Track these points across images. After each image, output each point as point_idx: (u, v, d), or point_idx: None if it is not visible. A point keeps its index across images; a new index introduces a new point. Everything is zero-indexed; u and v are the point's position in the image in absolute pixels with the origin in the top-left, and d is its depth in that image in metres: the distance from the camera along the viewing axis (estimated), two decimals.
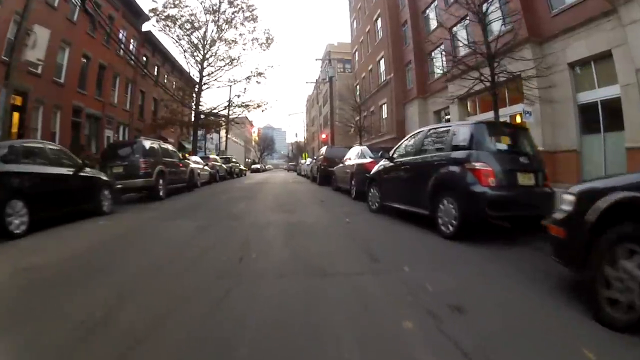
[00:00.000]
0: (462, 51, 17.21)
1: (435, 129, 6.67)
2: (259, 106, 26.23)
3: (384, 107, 29.32)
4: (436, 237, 5.47)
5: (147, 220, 7.32)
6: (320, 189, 14.64)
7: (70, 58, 19.63)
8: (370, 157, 10.00)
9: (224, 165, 23.94)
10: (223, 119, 27.06)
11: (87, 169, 8.27)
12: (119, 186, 10.21)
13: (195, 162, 16.38)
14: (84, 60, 20.87)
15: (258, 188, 15.17)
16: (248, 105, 26.19)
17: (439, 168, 5.75)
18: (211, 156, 22.30)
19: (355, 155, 11.33)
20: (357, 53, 39.53)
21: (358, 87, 38.42)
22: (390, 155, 7.31)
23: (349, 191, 10.99)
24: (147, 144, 11.32)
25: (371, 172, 8.15)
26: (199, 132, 42.09)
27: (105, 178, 8.74)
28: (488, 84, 12.12)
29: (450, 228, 5.37)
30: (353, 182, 10.53)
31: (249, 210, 8.37)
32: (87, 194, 7.95)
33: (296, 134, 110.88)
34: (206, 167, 18.27)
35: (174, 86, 26.47)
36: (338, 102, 57.35)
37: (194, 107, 25.06)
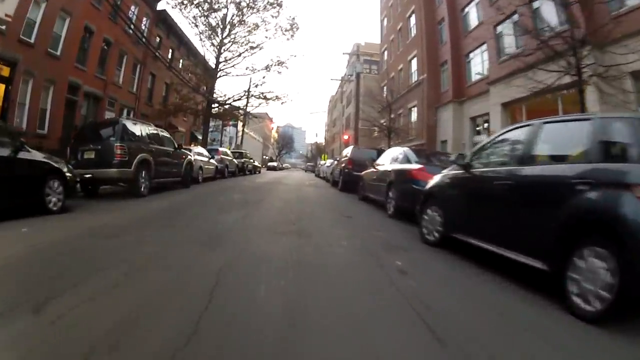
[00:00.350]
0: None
1: (558, 121, 4.06)
2: (278, 98, 23.78)
3: (414, 110, 26.68)
4: (565, 317, 2.91)
5: (83, 234, 4.74)
6: (343, 196, 12.19)
7: (70, 29, 17.59)
8: (416, 162, 7.46)
9: (235, 160, 21.67)
10: (239, 110, 24.68)
11: (31, 151, 5.95)
12: (87, 176, 7.93)
13: (198, 153, 14.05)
14: (86, 34, 18.80)
15: (268, 189, 12.79)
16: (267, 97, 23.71)
17: (576, 191, 3.14)
18: (220, 149, 19.93)
19: (392, 159, 8.81)
20: (386, 52, 36.96)
21: (385, 87, 35.95)
22: (467, 161, 4.71)
23: (383, 204, 8.52)
24: (129, 124, 8.99)
25: (428, 185, 5.43)
26: (216, 124, 40.31)
27: (56, 165, 6.36)
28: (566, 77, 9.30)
29: (597, 303, 2.78)
30: (391, 193, 8.00)
31: (242, 227, 5.67)
32: (22, 185, 5.63)
33: (316, 134, 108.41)
34: (212, 161, 15.95)
35: (188, 72, 24.17)
36: (362, 104, 55.47)
37: (206, 94, 22.65)
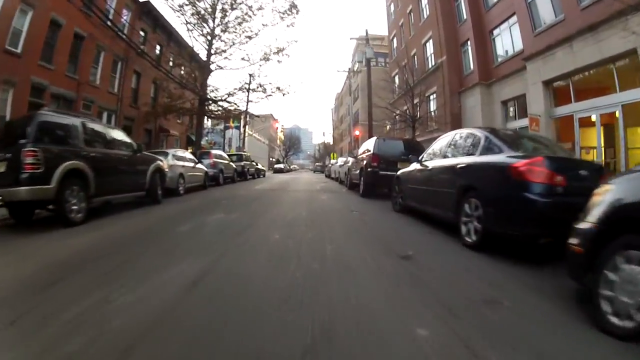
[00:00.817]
0: None
1: None
2: (279, 90, 20.76)
3: (433, 98, 23.62)
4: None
5: None
6: (371, 207, 8.75)
7: (33, 23, 15.11)
8: (517, 153, 4.41)
9: (232, 164, 18.88)
10: (236, 107, 21.85)
11: None
12: None
13: (177, 158, 11.29)
14: (54, 28, 16.26)
15: (267, 202, 9.45)
16: (266, 90, 20.78)
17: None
18: (213, 151, 17.09)
19: (457, 148, 5.78)
20: (395, 39, 33.98)
21: (397, 77, 32.96)
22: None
23: (444, 220, 5.63)
24: (54, 119, 6.22)
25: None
26: (216, 125, 37.64)
27: None
28: None
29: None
30: (470, 207, 4.69)
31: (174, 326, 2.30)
32: None
33: (323, 133, 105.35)
34: (200, 166, 13.20)
35: (177, 66, 21.43)
36: (372, 96, 52.46)
37: (197, 89, 19.79)
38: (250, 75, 20.75)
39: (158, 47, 24.25)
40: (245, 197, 10.74)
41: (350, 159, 15.64)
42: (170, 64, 21.35)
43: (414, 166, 6.94)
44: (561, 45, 14.15)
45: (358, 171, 11.92)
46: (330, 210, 8.03)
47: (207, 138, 41.08)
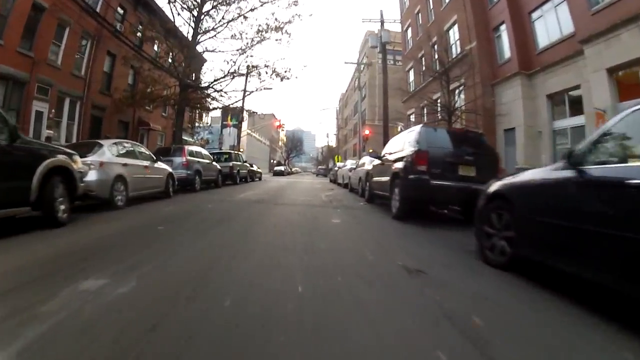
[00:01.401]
0: None
1: None
2: (277, 75, 17.24)
3: (458, 91, 20.08)
4: None
5: None
6: (425, 245, 4.94)
7: None
8: None
9: (216, 164, 15.47)
10: (226, 96, 18.44)
11: None
12: None
13: (117, 152, 7.84)
14: None
15: (238, 227, 5.80)
16: (261, 74, 17.26)
17: None
18: (188, 147, 13.41)
19: None
20: (410, 30, 30.54)
21: (412, 71, 29.54)
22: None
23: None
24: None
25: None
26: (205, 123, 34.15)
27: None
28: None
29: None
30: None
31: None
32: None
33: (327, 135, 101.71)
34: (160, 166, 9.68)
35: (156, 44, 18.04)
36: (378, 99, 49.03)
37: (177, 71, 16.23)
38: (241, 51, 16.95)
39: (140, 28, 20.87)
40: (204, 218, 6.88)
41: (367, 160, 12.08)
42: (139, 34, 17.85)
43: (555, 176, 3.17)
44: (627, 26, 11.38)
45: (387, 178, 7.93)
46: (361, 267, 3.60)
47: (202, 136, 37.82)
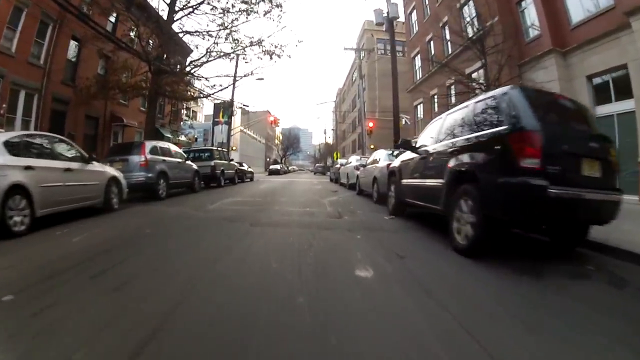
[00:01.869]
0: None
1: None
2: (267, 52, 14.49)
3: (479, 75, 17.32)
4: None
5: None
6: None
7: None
8: None
9: (190, 164, 12.64)
10: (208, 84, 15.74)
11: None
12: None
13: (17, 149, 5.26)
14: None
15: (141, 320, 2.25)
16: (246, 52, 14.50)
17: None
18: (148, 143, 10.19)
19: None
20: (414, 13, 27.92)
21: (417, 58, 26.99)
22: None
23: None
24: None
25: None
26: (190, 118, 31.36)
27: None
28: None
29: None
30: None
31: None
32: None
33: (324, 131, 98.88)
34: (93, 168, 6.93)
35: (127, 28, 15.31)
36: (378, 90, 46.31)
37: (147, 54, 13.47)
38: (223, 27, 14.14)
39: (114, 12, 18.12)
40: (104, 270, 3.33)
41: (382, 155, 9.36)
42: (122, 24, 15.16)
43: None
44: None
45: (438, 182, 4.88)
46: None
47: (190, 131, 35.16)
